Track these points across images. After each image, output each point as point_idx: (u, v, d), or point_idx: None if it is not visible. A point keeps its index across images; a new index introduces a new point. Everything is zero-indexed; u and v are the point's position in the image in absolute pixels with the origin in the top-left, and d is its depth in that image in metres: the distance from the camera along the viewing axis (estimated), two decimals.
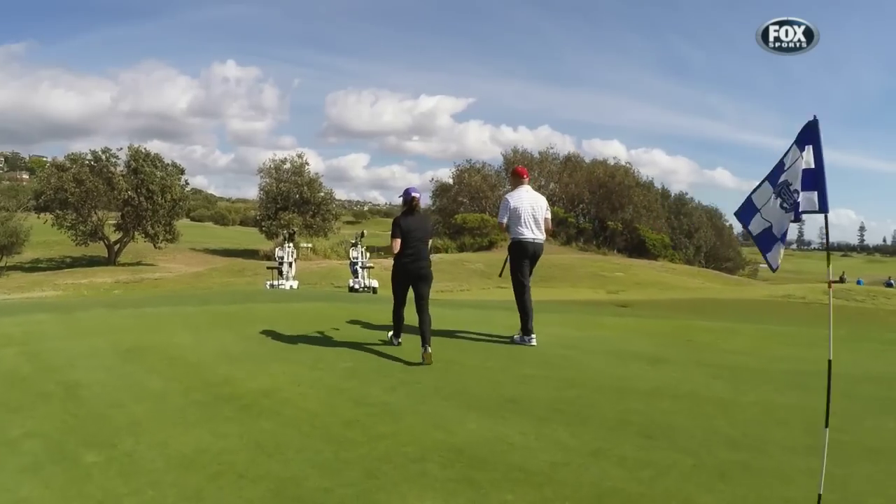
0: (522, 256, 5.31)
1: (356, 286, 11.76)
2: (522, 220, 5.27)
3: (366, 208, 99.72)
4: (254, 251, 33.43)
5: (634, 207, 39.25)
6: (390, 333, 4.84)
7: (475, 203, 38.46)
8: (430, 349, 4.21)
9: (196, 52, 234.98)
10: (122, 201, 27.91)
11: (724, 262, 42.11)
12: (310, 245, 17.17)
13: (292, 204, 31.35)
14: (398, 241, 4.51)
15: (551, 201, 37.99)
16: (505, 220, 5.31)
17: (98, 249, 29.87)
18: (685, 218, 41.81)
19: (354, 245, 12.55)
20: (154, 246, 29.73)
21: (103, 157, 28.58)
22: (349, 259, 12.84)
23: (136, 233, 29.39)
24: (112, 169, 28.37)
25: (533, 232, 5.26)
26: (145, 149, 29.57)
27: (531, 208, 5.28)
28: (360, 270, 12.01)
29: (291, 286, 12.06)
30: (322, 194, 32.16)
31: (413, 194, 4.68)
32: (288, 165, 32.60)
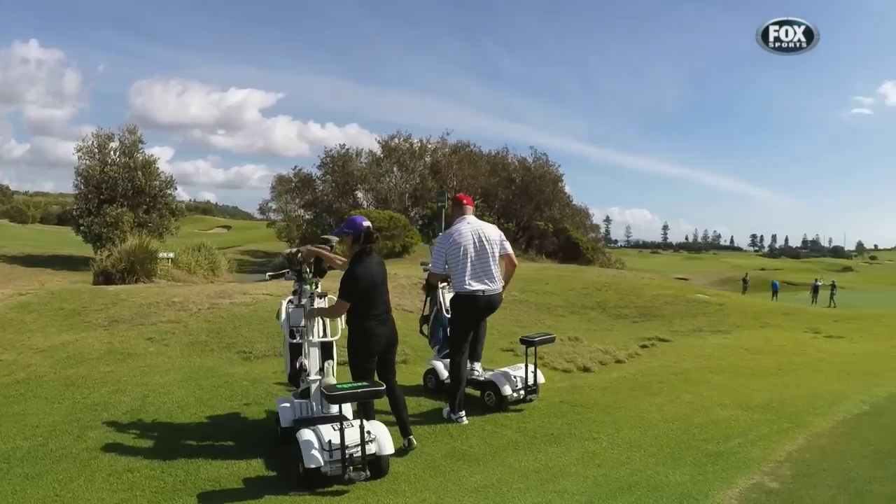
0: (471, 315, 4.44)
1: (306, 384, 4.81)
2: (469, 266, 4.33)
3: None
4: (71, 258, 27.80)
5: (560, 206, 38.23)
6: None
7: (344, 198, 35.53)
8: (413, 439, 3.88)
9: None
10: None
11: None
12: (171, 255, 13.03)
13: (121, 195, 26.45)
14: (345, 306, 3.77)
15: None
16: (442, 268, 4.46)
17: None
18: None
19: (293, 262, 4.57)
20: None
21: None
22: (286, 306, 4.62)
23: None
24: None
25: (485, 280, 4.36)
26: None
27: (479, 245, 4.36)
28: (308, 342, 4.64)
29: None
30: (159, 182, 27.54)
31: (365, 224, 3.88)
32: (116, 143, 27.20)
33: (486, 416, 4.71)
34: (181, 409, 4.78)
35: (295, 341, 4.09)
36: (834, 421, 4.28)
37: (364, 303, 3.77)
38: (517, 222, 34.89)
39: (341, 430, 3.20)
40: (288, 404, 4.06)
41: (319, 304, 4.18)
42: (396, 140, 36.85)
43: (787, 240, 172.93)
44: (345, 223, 3.96)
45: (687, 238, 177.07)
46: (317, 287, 4.24)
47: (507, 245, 4.60)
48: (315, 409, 4.01)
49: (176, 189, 29.37)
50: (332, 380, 4.04)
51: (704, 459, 3.71)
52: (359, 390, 3.23)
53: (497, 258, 4.46)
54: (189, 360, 6.47)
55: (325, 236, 4.36)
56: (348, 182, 35.91)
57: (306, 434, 3.33)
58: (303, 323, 4.06)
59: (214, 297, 9.15)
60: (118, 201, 26.31)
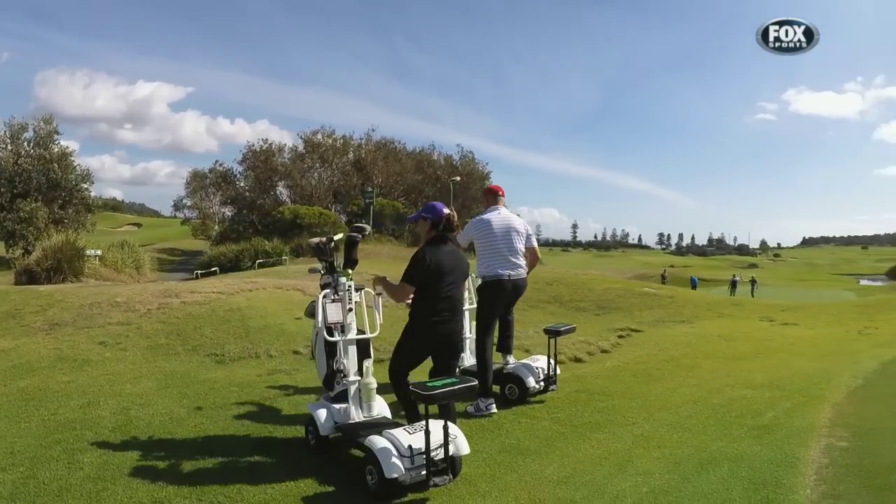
0: (499, 298, 4.56)
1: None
2: (497, 252, 4.55)
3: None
4: None
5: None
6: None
7: (267, 194, 33.73)
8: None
9: None
10: None
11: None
12: (98, 253, 11.71)
13: (35, 189, 24.33)
14: (409, 290, 3.47)
15: (385, 194, 35.46)
16: (466, 243, 4.68)
17: None
18: None
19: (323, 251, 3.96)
20: None
21: None
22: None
23: None
24: None
25: (511, 266, 4.56)
26: None
27: (507, 235, 4.59)
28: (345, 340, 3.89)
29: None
30: (74, 176, 25.32)
31: (446, 211, 3.61)
32: (30, 133, 24.82)
33: (511, 409, 4.59)
34: (176, 423, 4.20)
35: (334, 339, 3.70)
36: (841, 393, 4.65)
37: (426, 292, 3.46)
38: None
39: (426, 433, 2.91)
40: (324, 410, 3.66)
41: (355, 298, 3.84)
42: (320, 136, 35.81)
43: (693, 238, 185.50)
44: (424, 208, 3.66)
45: (596, 236, 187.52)
46: (351, 279, 3.86)
47: (534, 240, 4.80)
48: (354, 413, 3.65)
49: (93, 183, 27.08)
50: (371, 381, 3.72)
51: (756, 432, 3.86)
52: (455, 387, 2.96)
53: (522, 248, 4.64)
54: (156, 366, 5.85)
55: (358, 224, 4.01)
56: (271, 178, 34.34)
57: (379, 441, 2.99)
58: (342, 319, 3.70)
59: (161, 297, 8.30)
60: (32, 195, 24.16)
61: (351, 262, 3.89)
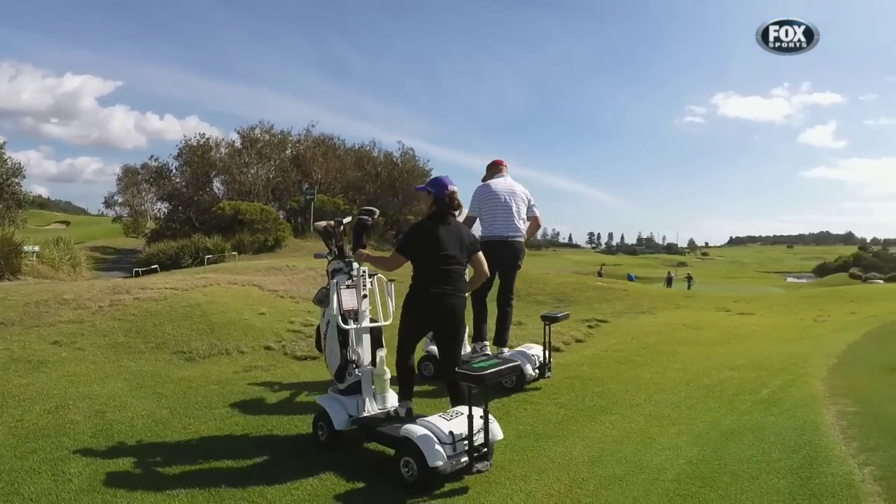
0: (495, 261, 4.47)
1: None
2: (498, 214, 4.71)
3: None
4: None
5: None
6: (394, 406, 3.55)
7: (203, 190, 32.13)
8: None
9: None
10: None
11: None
12: (35, 249, 10.71)
13: None
14: (401, 261, 3.38)
15: (324, 190, 34.47)
16: (477, 212, 4.73)
17: None
18: None
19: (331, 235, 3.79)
20: None
21: None
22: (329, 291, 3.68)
23: None
24: None
25: (511, 229, 4.70)
26: None
27: (510, 200, 4.73)
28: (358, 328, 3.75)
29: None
30: (5, 169, 23.44)
31: (451, 187, 3.48)
32: None
33: (512, 396, 4.54)
34: (162, 425, 3.84)
35: (349, 327, 3.49)
36: (822, 370, 4.92)
37: (420, 266, 3.34)
38: (385, 216, 34.57)
39: (470, 418, 2.79)
40: (337, 404, 3.43)
41: (369, 284, 3.65)
42: (258, 131, 34.70)
43: (623, 237, 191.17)
44: (430, 181, 3.54)
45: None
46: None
47: (536, 210, 4.93)
48: (369, 406, 3.46)
49: (24, 178, 24.90)
50: (385, 371, 3.55)
51: (761, 406, 4.02)
52: (502, 367, 2.86)
53: (523, 214, 4.79)
54: (121, 365, 5.39)
55: (367, 208, 3.82)
56: (208, 173, 32.84)
57: (418, 429, 2.84)
58: (355, 306, 3.50)
59: (111, 293, 7.66)
60: None
61: (361, 246, 3.71)
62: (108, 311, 6.90)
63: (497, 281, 4.93)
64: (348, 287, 3.53)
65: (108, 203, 39.07)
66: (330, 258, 3.71)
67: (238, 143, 34.32)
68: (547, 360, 4.98)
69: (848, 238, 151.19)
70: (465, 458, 2.85)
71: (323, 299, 3.53)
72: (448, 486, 2.89)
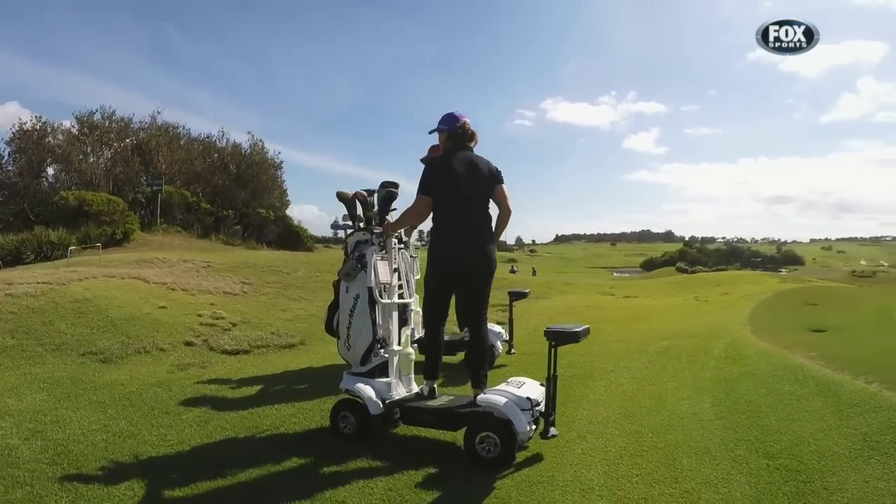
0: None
1: None
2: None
3: None
4: None
5: (279, 194, 35.71)
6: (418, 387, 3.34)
7: (37, 179, 27.08)
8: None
9: None
10: None
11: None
12: None
13: None
14: (426, 201, 3.03)
15: (170, 182, 30.62)
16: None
17: None
18: None
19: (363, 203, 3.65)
20: None
21: None
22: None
23: None
24: None
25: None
26: None
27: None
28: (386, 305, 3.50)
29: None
30: None
31: (463, 119, 3.21)
32: None
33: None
34: (130, 439, 3.18)
35: (385, 301, 3.20)
36: (749, 335, 5.65)
37: (439, 206, 3.02)
38: (233, 209, 32.05)
39: (549, 385, 2.76)
40: (369, 387, 3.12)
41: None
42: (99, 115, 30.44)
43: None
44: (441, 119, 3.29)
45: None
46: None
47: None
48: (397, 388, 3.22)
49: None
50: (411, 351, 3.35)
51: (728, 361, 4.50)
52: (579, 328, 2.85)
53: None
54: (25, 373, 4.45)
55: (391, 181, 3.56)
56: (44, 161, 27.92)
57: (499, 399, 2.72)
58: (388, 280, 3.24)
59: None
60: None
61: (386, 211, 3.49)
62: None
63: None
64: (382, 259, 3.28)
65: None
66: (352, 230, 3.40)
67: (76, 130, 29.81)
68: (509, 338, 5.18)
69: (668, 236, 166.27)
70: (534, 426, 2.84)
71: (350, 272, 3.21)
72: (520, 455, 2.78)
